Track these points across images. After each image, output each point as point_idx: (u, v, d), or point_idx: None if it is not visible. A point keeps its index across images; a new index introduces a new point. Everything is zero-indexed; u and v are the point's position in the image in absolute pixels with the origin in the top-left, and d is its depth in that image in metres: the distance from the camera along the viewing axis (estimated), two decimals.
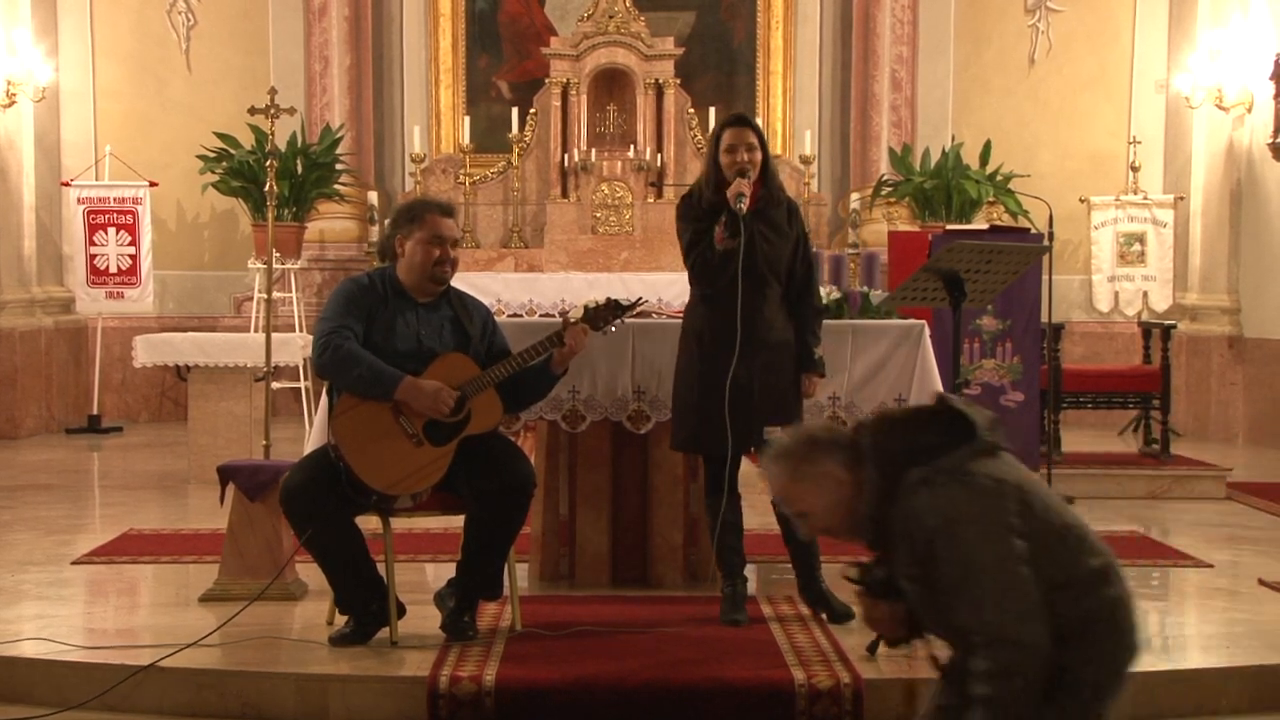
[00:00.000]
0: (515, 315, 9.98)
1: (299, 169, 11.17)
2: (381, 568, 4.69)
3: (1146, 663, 4.60)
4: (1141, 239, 11.25)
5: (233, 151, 11.16)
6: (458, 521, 4.83)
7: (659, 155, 11.62)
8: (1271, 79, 9.62)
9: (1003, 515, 3.01)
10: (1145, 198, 11.26)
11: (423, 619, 4.84)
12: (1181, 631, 5.19)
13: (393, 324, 4.70)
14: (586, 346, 4.83)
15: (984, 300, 5.89)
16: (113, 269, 10.96)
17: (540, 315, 10.15)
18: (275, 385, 8.65)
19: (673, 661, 4.49)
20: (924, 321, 5.77)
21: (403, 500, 4.66)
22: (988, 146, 11.37)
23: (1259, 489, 7.98)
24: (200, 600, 5.24)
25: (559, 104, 11.65)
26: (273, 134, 6.47)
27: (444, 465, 4.61)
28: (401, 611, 4.73)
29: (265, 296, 6.36)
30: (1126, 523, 7.15)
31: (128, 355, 9.23)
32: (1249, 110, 10.34)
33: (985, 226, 8.44)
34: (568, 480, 5.59)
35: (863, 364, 5.52)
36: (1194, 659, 4.79)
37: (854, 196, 11.64)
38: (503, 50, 12.38)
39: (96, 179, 11.07)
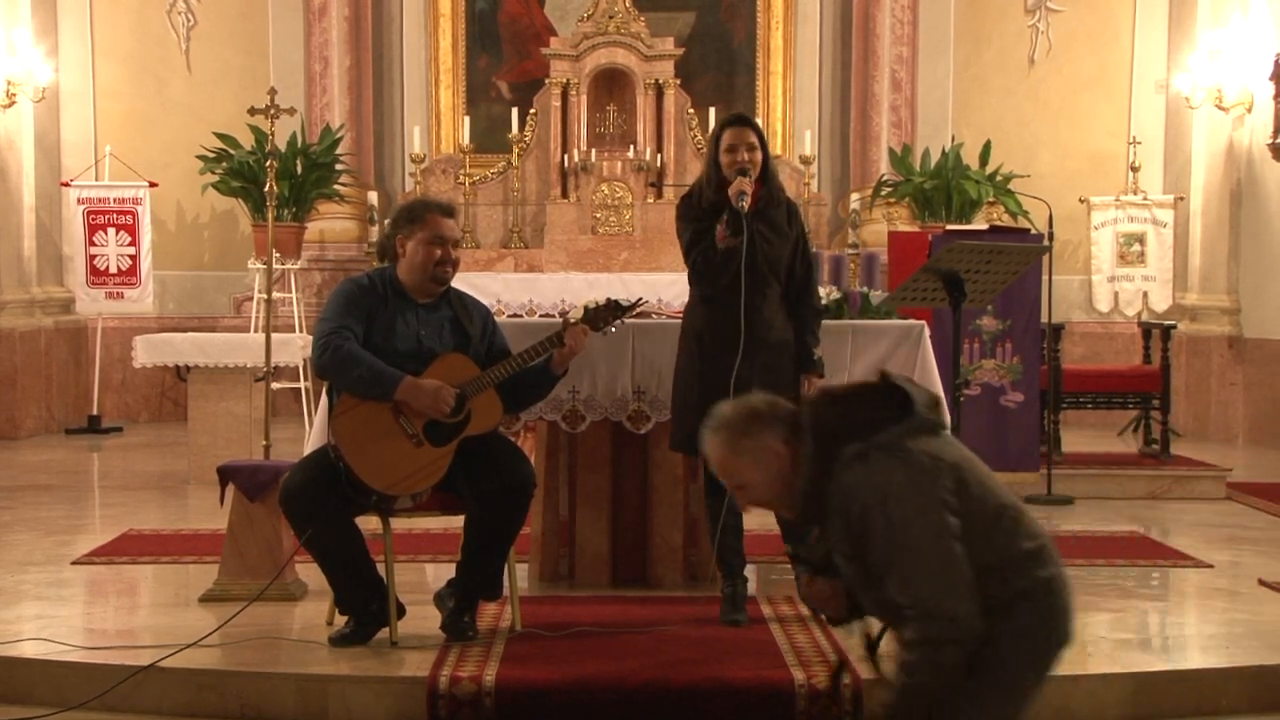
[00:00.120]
0: (515, 315, 9.98)
1: (299, 169, 11.16)
2: (381, 568, 4.69)
3: (1146, 663, 4.64)
4: (1141, 239, 11.25)
5: (233, 152, 11.16)
6: (458, 522, 4.83)
7: (659, 155, 11.62)
8: (1271, 79, 9.62)
9: (937, 491, 3.01)
10: (1145, 198, 11.26)
11: (423, 619, 4.84)
12: (1181, 631, 5.19)
13: (393, 324, 4.70)
14: (586, 347, 4.83)
15: (984, 300, 5.90)
16: (113, 269, 10.96)
17: (540, 315, 10.14)
18: (275, 385, 8.65)
19: (673, 661, 4.49)
20: (924, 322, 5.77)
21: (403, 500, 4.66)
22: (988, 147, 11.37)
23: (1259, 489, 7.98)
24: (200, 600, 5.24)
25: (559, 104, 11.65)
26: (273, 134, 6.47)
27: (444, 465, 4.61)
28: (401, 612, 4.73)
29: (265, 297, 6.36)
30: (1126, 523, 7.15)
31: (128, 355, 9.23)
32: (1249, 110, 10.34)
33: (985, 227, 8.43)
34: (568, 480, 5.60)
35: (863, 364, 5.52)
36: (1194, 659, 4.79)
37: (854, 197, 11.64)
38: (503, 50, 12.38)
39: (96, 179, 11.08)
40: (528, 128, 11.86)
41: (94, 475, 9.05)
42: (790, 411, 3.19)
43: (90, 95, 11.59)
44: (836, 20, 12.25)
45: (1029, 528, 3.13)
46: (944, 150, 11.39)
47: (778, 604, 5.23)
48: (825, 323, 5.27)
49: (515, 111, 11.74)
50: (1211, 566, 6.09)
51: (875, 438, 3.06)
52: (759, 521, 5.65)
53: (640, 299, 5.06)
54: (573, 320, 4.77)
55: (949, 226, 8.88)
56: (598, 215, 11.56)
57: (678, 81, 11.70)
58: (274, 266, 7.38)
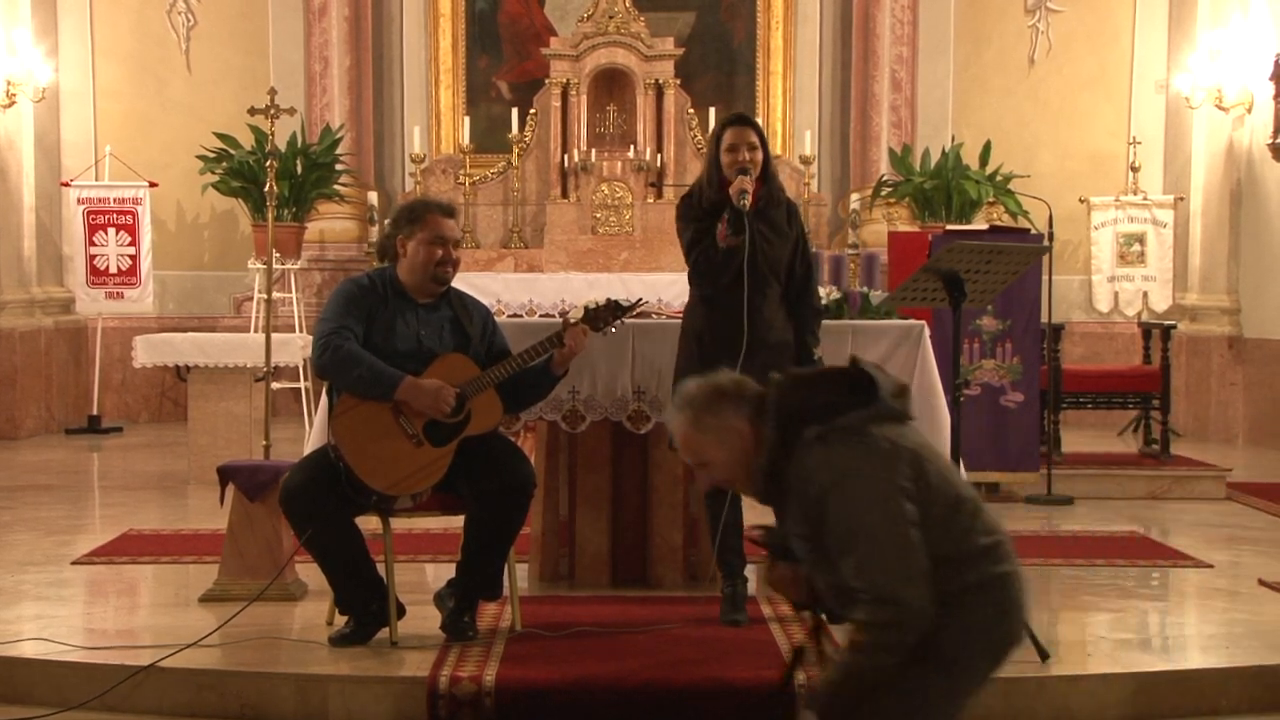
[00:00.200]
0: (515, 315, 9.98)
1: (299, 169, 11.16)
2: (381, 568, 4.69)
3: (1146, 663, 4.64)
4: (1141, 239, 11.25)
5: (233, 152, 11.16)
6: (458, 522, 4.83)
7: (659, 155, 11.62)
8: (1271, 79, 9.62)
9: (895, 477, 3.01)
10: (1145, 198, 11.26)
11: (423, 619, 4.84)
12: (1181, 631, 5.19)
13: (393, 324, 4.70)
14: (586, 347, 4.83)
15: (984, 301, 5.89)
16: (113, 269, 10.96)
17: (540, 315, 10.15)
18: (275, 385, 8.65)
19: (673, 661, 4.49)
20: (924, 322, 5.77)
21: (403, 500, 4.66)
22: (988, 147, 11.37)
23: (1259, 489, 7.98)
24: (200, 600, 5.24)
25: (559, 104, 11.65)
26: (273, 134, 6.47)
27: (444, 466, 4.61)
28: (401, 612, 4.73)
29: (265, 297, 6.36)
30: (1126, 523, 7.15)
31: (128, 355, 9.23)
32: (1249, 110, 10.34)
33: (985, 227, 8.43)
34: (568, 480, 5.60)
35: None
36: (1194, 659, 4.79)
37: (854, 197, 11.64)
38: (503, 50, 12.38)
39: (96, 179, 11.07)
40: (528, 128, 11.86)
41: (94, 475, 9.05)
42: (757, 392, 3.19)
43: (90, 95, 11.60)
44: (836, 20, 12.25)
45: (986, 523, 3.11)
46: (944, 150, 11.39)
47: (778, 604, 5.22)
48: (825, 323, 5.27)
49: (515, 111, 11.74)
50: (1211, 566, 6.09)
51: (837, 421, 3.05)
52: (759, 521, 5.66)
53: (640, 299, 5.06)
54: (573, 320, 4.77)
55: (949, 226, 8.87)
56: (598, 215, 11.56)
57: (678, 81, 11.70)
58: (274, 266, 7.38)
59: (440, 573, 5.55)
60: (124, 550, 6.29)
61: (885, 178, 11.54)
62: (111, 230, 10.93)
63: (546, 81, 11.74)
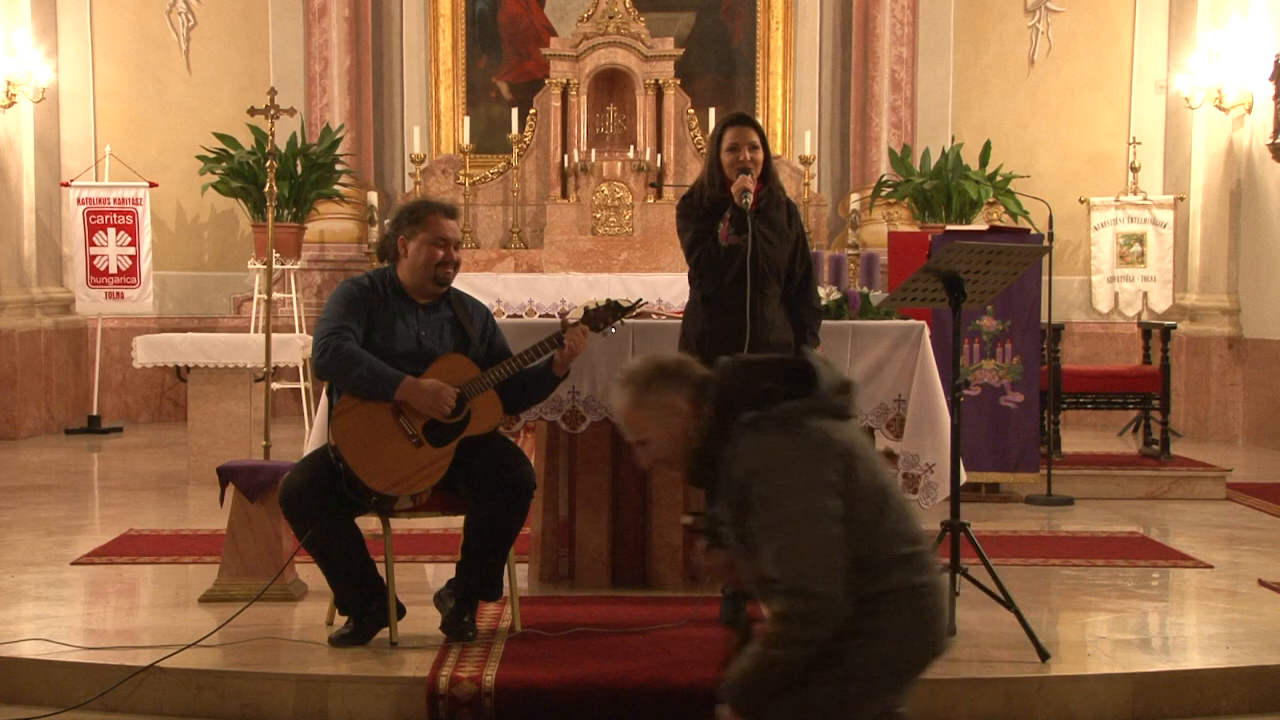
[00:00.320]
0: (515, 316, 9.98)
1: (299, 169, 11.17)
2: (381, 568, 4.69)
3: (1146, 663, 4.64)
4: (1141, 240, 11.25)
5: (232, 152, 11.16)
6: (458, 522, 4.84)
7: (659, 156, 11.62)
8: (1271, 79, 9.62)
9: (822, 471, 2.99)
10: (1145, 198, 11.27)
11: (422, 619, 4.84)
12: (1181, 632, 5.19)
13: (393, 325, 4.70)
14: (586, 348, 4.83)
15: (984, 301, 5.88)
16: (112, 269, 10.96)
17: (540, 316, 10.15)
18: (275, 386, 8.66)
19: (673, 661, 4.49)
20: (923, 322, 5.77)
21: (402, 501, 4.66)
22: (987, 147, 11.37)
23: (1259, 490, 7.98)
24: (200, 601, 5.24)
25: (559, 105, 11.65)
26: (272, 135, 6.47)
27: (444, 466, 4.61)
28: (401, 612, 4.73)
29: (265, 297, 6.36)
30: (1126, 523, 7.15)
31: (127, 356, 9.23)
32: (1249, 111, 10.35)
33: (985, 227, 8.43)
34: (567, 481, 5.60)
35: (862, 365, 5.52)
36: (1194, 659, 4.79)
37: (854, 197, 11.65)
38: (502, 51, 12.38)
39: (96, 180, 11.08)
40: (528, 128, 11.86)
41: (94, 475, 9.04)
42: (701, 374, 3.20)
43: (90, 96, 11.60)
44: (836, 21, 12.25)
45: (911, 531, 3.09)
46: (944, 151, 11.39)
47: None
48: (825, 323, 5.27)
49: (515, 112, 11.74)
50: (1211, 567, 6.09)
51: (773, 409, 3.04)
52: None
53: (640, 300, 5.07)
54: (572, 321, 4.77)
55: (949, 227, 8.87)
56: (597, 215, 11.56)
57: (677, 82, 11.70)
58: (274, 267, 7.38)
59: (440, 573, 5.55)
60: (124, 550, 6.29)
61: (885, 178, 11.54)
62: (111, 230, 10.93)
63: (546, 82, 11.74)
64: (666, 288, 10.34)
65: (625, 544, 5.58)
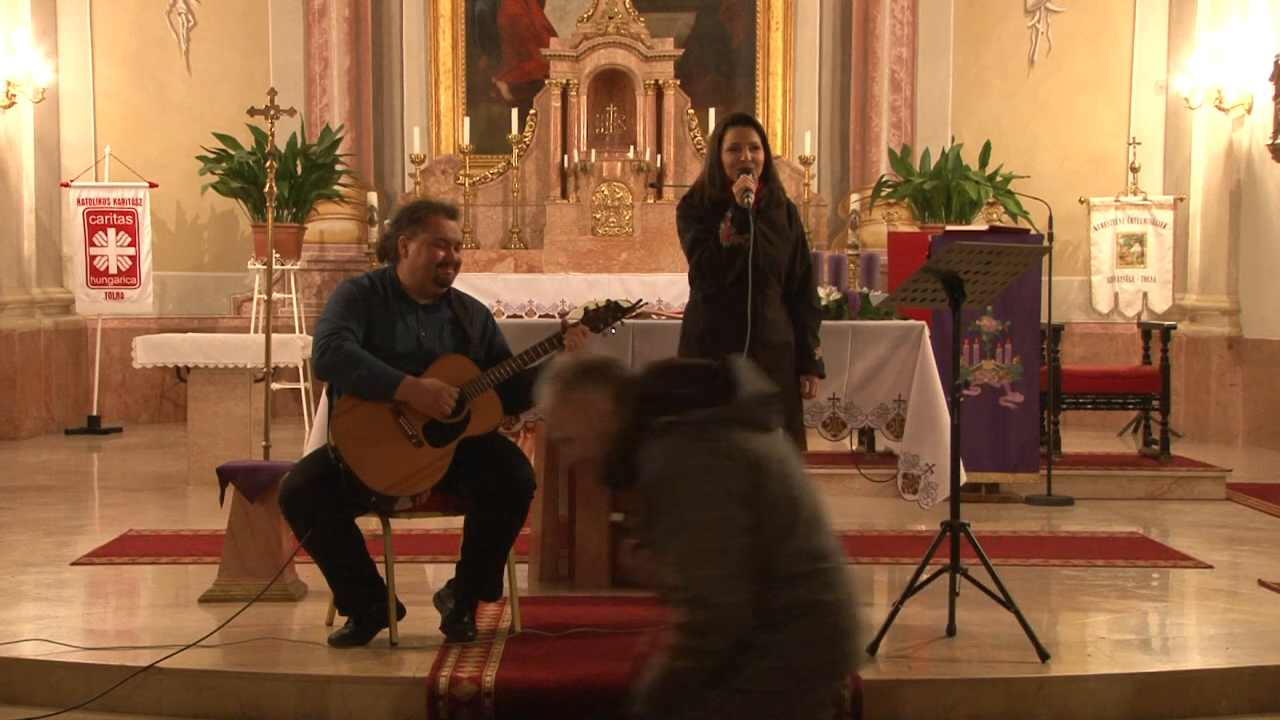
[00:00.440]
0: (515, 316, 9.97)
1: (299, 170, 11.17)
2: (381, 568, 4.69)
3: (1146, 663, 4.64)
4: (1141, 240, 11.25)
5: (232, 152, 11.16)
6: (458, 522, 4.83)
7: (659, 156, 11.62)
8: (1271, 80, 9.63)
9: (729, 481, 2.96)
10: (1145, 199, 11.27)
11: (422, 620, 4.84)
12: (1181, 632, 5.18)
13: (393, 325, 4.70)
14: (586, 348, 4.82)
15: (983, 301, 5.88)
16: (112, 270, 10.96)
17: (540, 316, 10.14)
18: (275, 386, 8.66)
19: None
20: (923, 322, 5.77)
21: (402, 501, 4.66)
22: (987, 147, 11.37)
23: (1259, 490, 7.98)
24: (200, 601, 5.24)
25: (559, 105, 11.65)
26: (272, 135, 6.47)
27: (444, 466, 4.61)
28: (401, 612, 4.73)
29: (265, 297, 6.36)
30: (1126, 523, 7.15)
31: (127, 356, 9.23)
32: (1248, 111, 10.35)
33: (985, 227, 8.43)
34: (567, 481, 5.59)
35: (862, 365, 5.53)
36: (1194, 659, 4.79)
37: (854, 197, 11.65)
38: (502, 51, 12.39)
39: (96, 180, 11.08)
40: (527, 128, 11.86)
41: (94, 476, 9.04)
42: (625, 375, 3.19)
43: (90, 96, 11.60)
44: (836, 21, 12.25)
45: (819, 548, 3.04)
46: (944, 151, 11.39)
47: None
48: (825, 323, 5.27)
49: (515, 112, 11.74)
50: (1211, 567, 6.09)
51: (688, 414, 3.03)
52: None
53: (640, 300, 5.07)
54: (572, 322, 4.78)
55: (949, 227, 8.87)
56: (597, 216, 11.56)
57: (677, 82, 11.70)
58: (274, 267, 7.38)
59: (440, 573, 5.55)
60: (124, 551, 6.28)
61: (885, 178, 11.54)
62: (111, 231, 10.93)
63: (546, 82, 11.74)
64: (666, 288, 10.34)
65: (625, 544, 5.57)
